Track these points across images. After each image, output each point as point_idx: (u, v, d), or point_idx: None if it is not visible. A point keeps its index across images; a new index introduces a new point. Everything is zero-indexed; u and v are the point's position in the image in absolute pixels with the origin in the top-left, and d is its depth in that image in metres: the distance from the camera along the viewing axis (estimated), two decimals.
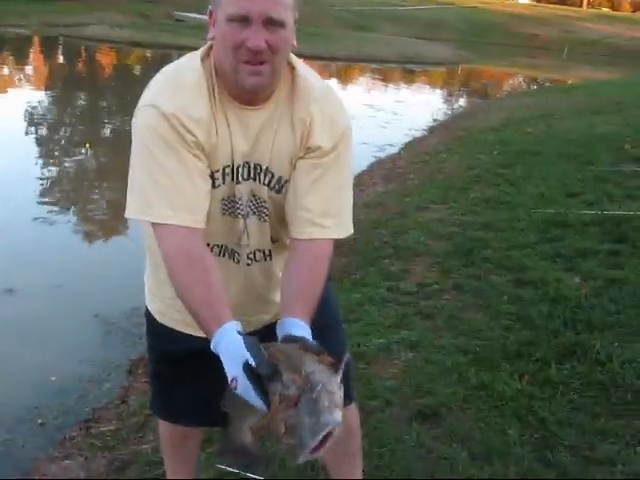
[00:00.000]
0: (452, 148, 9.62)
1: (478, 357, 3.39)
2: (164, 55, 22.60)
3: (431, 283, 4.45)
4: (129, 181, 1.62)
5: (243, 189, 1.69)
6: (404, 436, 2.82)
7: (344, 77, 23.19)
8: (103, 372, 3.88)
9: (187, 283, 1.54)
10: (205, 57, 1.65)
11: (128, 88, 15.41)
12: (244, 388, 1.35)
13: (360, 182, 7.66)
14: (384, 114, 13.81)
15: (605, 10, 63.22)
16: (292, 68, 1.68)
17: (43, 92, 14.21)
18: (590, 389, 3.07)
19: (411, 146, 10.64)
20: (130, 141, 1.61)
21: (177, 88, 1.58)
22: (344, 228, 1.73)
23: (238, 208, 1.71)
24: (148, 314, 2.01)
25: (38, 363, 3.95)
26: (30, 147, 9.37)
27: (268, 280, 1.86)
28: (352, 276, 4.65)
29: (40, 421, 3.42)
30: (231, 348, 1.40)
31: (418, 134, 11.85)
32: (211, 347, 1.46)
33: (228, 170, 1.66)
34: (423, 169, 8.42)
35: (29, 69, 18.31)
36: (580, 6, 62.84)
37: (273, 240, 1.80)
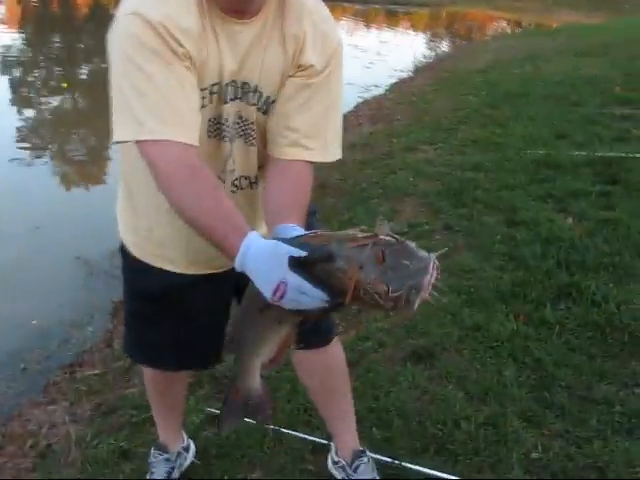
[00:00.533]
0: (439, 89, 9.46)
1: (472, 298, 3.32)
2: None
3: (421, 223, 4.36)
4: (113, 102, 1.44)
5: (230, 110, 1.57)
6: (398, 377, 2.76)
7: None
8: (86, 315, 3.78)
9: (194, 196, 1.38)
10: None
11: (105, 28, 14.98)
12: (296, 287, 1.22)
13: (346, 123, 7.48)
14: (368, 55, 13.59)
15: None
16: None
17: (17, 33, 13.77)
18: (586, 330, 3.01)
19: (397, 87, 10.48)
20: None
21: None
22: (330, 152, 1.63)
23: (224, 130, 1.59)
24: (123, 248, 1.86)
25: (19, 307, 3.84)
26: (4, 89, 9.09)
27: (253, 210, 1.74)
28: (340, 216, 4.53)
29: (22, 366, 3.32)
30: (266, 252, 1.26)
31: (404, 75, 11.68)
32: (236, 264, 1.31)
33: (216, 88, 1.53)
34: (410, 110, 8.26)
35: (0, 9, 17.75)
36: None
37: (258, 166, 1.69)
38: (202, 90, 1.50)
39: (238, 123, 1.60)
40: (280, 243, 1.26)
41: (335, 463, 2.23)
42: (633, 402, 2.56)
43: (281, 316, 1.32)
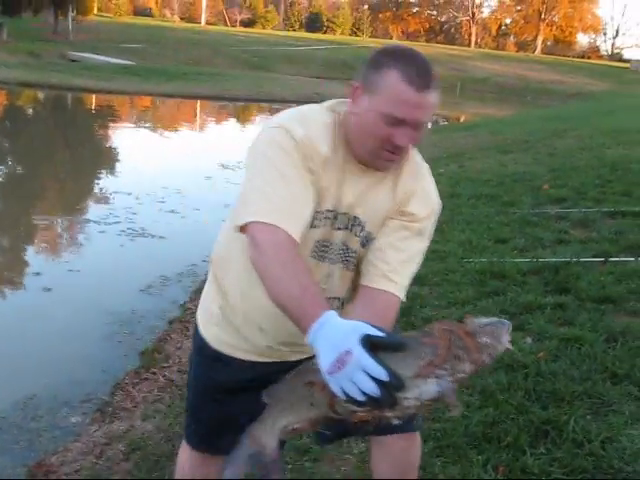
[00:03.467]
0: None
1: (441, 444, 2.94)
2: (57, 96, 21.74)
3: None
4: (240, 199, 1.64)
5: (337, 237, 1.75)
6: None
7: (243, 116, 22.90)
8: None
9: (289, 273, 1.48)
10: (332, 111, 1.73)
11: (18, 129, 14.59)
12: (360, 360, 1.23)
13: None
14: None
15: (491, 50, 65.71)
16: None
17: None
18: (575, 478, 2.68)
19: None
20: None
21: (307, 121, 1.67)
22: (404, 292, 1.74)
23: (327, 253, 1.76)
24: (200, 341, 1.96)
25: None
26: None
27: None
28: None
29: None
30: (343, 327, 1.32)
31: None
32: (308, 335, 1.36)
33: (330, 215, 1.72)
34: None
35: None
36: (468, 46, 65.16)
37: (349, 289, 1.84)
38: (318, 212, 1.68)
39: (342, 250, 1.77)
40: (361, 323, 1.31)
41: None
42: None
43: (316, 398, 1.36)
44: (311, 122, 1.67)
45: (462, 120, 25.16)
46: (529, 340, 3.93)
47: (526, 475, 2.71)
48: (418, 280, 5.03)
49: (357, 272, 1.79)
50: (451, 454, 2.88)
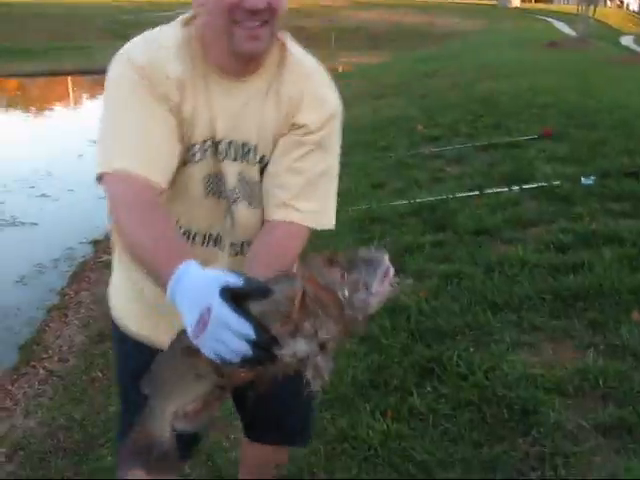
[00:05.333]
0: None
1: (329, 397, 2.89)
2: None
3: None
4: (98, 134, 1.43)
5: (230, 170, 1.51)
6: None
7: None
8: None
9: (144, 223, 1.31)
10: (186, 25, 1.48)
11: None
12: (221, 317, 1.09)
13: None
14: None
15: None
16: (281, 41, 1.51)
17: None
18: (462, 412, 2.70)
19: None
20: None
21: (152, 44, 1.45)
22: (324, 219, 1.55)
23: (223, 188, 1.52)
24: (116, 327, 1.71)
25: None
26: None
27: None
28: None
29: None
30: (201, 280, 1.16)
31: None
32: (167, 292, 1.19)
33: (208, 144, 1.48)
34: None
35: None
36: None
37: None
38: (193, 145, 1.46)
39: (241, 184, 1.52)
40: (219, 271, 1.17)
41: None
42: None
43: (200, 368, 1.20)
44: (157, 43, 1.44)
45: (339, 71, 25.18)
46: (409, 280, 3.92)
47: (414, 416, 2.71)
48: None
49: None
50: (339, 406, 2.84)
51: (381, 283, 1.16)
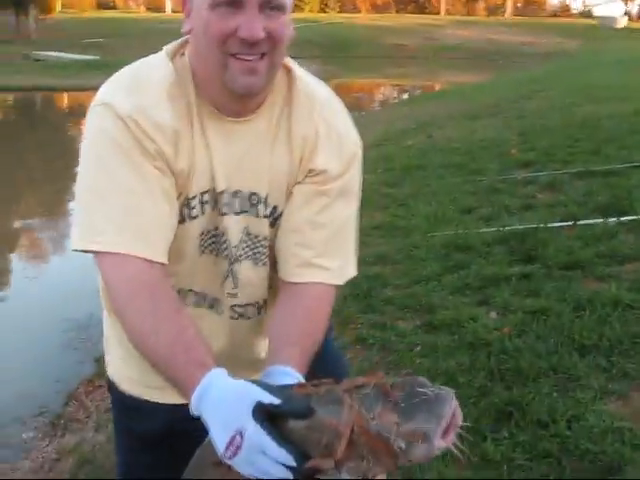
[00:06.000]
0: None
1: None
2: (24, 98, 21.39)
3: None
4: (75, 203, 1.26)
5: (232, 224, 1.33)
6: None
7: None
8: None
9: (151, 322, 1.16)
10: (176, 55, 1.30)
11: None
12: (256, 443, 0.98)
13: None
14: None
15: (462, 17, 65.42)
16: (288, 70, 1.34)
17: None
18: (539, 464, 2.52)
19: None
20: None
21: (136, 86, 1.25)
22: (349, 271, 1.40)
23: (223, 245, 1.35)
24: (113, 387, 1.56)
25: None
26: None
27: (260, 336, 1.47)
28: None
29: None
30: (230, 394, 1.04)
31: None
32: (191, 406, 1.08)
33: (207, 197, 1.30)
34: None
35: None
36: (438, 14, 64.78)
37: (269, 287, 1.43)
38: (191, 199, 1.29)
39: (246, 242, 1.36)
40: (251, 384, 1.04)
41: None
42: None
43: None
44: (142, 82, 1.25)
45: (437, 89, 24.94)
46: (493, 315, 3.76)
47: (487, 463, 2.55)
48: (380, 259, 4.86)
49: (273, 263, 1.39)
50: None
51: (445, 435, 1.00)
